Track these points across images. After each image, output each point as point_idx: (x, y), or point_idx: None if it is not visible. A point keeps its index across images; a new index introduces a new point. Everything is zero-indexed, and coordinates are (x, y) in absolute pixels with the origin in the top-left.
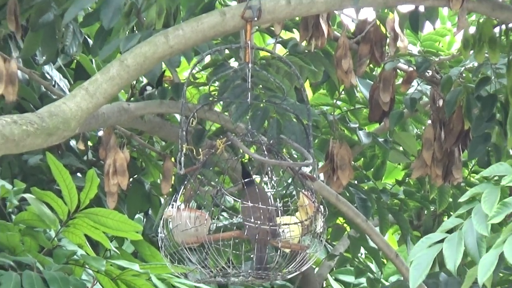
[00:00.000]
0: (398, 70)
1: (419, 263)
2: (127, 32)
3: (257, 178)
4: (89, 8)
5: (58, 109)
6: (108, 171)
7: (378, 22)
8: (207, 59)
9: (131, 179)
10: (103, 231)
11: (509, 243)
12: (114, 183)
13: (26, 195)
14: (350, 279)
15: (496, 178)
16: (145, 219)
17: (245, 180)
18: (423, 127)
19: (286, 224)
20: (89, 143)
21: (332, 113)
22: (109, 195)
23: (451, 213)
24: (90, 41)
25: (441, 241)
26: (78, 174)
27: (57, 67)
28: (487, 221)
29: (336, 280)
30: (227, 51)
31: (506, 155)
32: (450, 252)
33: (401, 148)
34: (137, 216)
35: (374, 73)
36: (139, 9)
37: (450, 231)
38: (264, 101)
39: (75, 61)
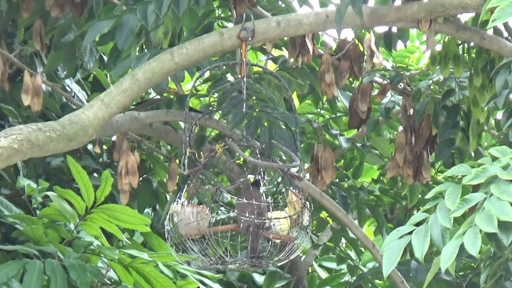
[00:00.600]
0: (374, 83)
1: (390, 252)
2: (137, 50)
3: (251, 178)
4: None
5: (77, 118)
6: (121, 172)
7: (356, 41)
8: (207, 73)
9: (140, 178)
10: (116, 224)
11: (468, 235)
12: (126, 182)
13: (49, 193)
14: (332, 265)
15: (459, 177)
16: (153, 213)
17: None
18: (396, 133)
19: (276, 218)
20: (104, 147)
21: (317, 121)
22: (121, 193)
23: (420, 207)
24: (105, 58)
25: (410, 233)
26: (95, 174)
27: (76, 80)
28: (449, 215)
29: (320, 266)
30: (225, 67)
31: (469, 157)
32: (418, 242)
33: (376, 151)
34: (146, 210)
35: (353, 85)
36: (148, 30)
37: (418, 224)
38: (257, 110)
39: (92, 75)
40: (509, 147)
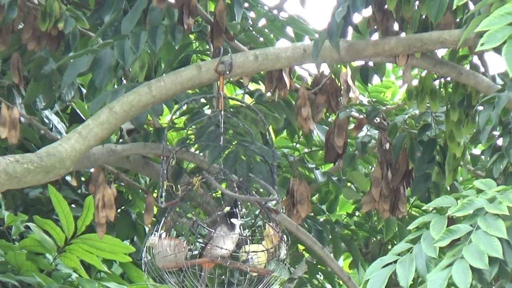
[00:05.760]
0: (350, 117)
1: (374, 281)
2: (115, 84)
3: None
4: None
5: (55, 150)
6: (98, 205)
7: (333, 76)
8: (185, 107)
9: (119, 210)
10: (96, 255)
11: (457, 268)
12: (103, 215)
13: (30, 224)
14: None
15: (434, 211)
16: (131, 246)
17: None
18: (371, 167)
19: (254, 251)
20: (82, 179)
21: (292, 155)
22: (98, 226)
23: (395, 242)
24: (83, 89)
25: (394, 262)
26: (73, 206)
27: (54, 112)
28: (433, 244)
29: None
30: (202, 100)
31: (444, 192)
32: (403, 271)
33: (353, 186)
34: (124, 242)
35: (329, 119)
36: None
37: (400, 255)
38: (234, 144)
39: (70, 107)
40: None
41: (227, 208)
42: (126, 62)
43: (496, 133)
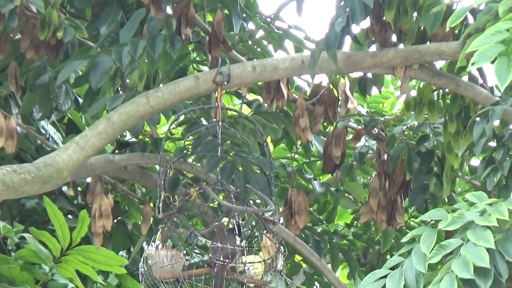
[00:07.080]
0: (348, 128)
1: None
2: (112, 93)
3: (225, 222)
4: (79, 72)
5: (52, 160)
6: (95, 215)
7: (331, 86)
8: (182, 117)
9: (115, 220)
10: (91, 266)
11: (445, 281)
12: (99, 225)
13: (25, 235)
14: None
15: (433, 222)
16: (127, 256)
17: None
18: (370, 178)
19: (251, 262)
20: (79, 189)
21: (291, 165)
22: (95, 236)
23: (393, 252)
24: (80, 100)
25: (385, 276)
26: (69, 216)
27: (51, 122)
28: (426, 261)
29: None
30: (199, 111)
31: (442, 203)
32: (392, 286)
33: (350, 196)
34: (120, 253)
35: (327, 130)
36: (123, 73)
37: (393, 268)
38: (232, 154)
39: (67, 117)
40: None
41: (225, 221)
42: (123, 64)
43: (492, 144)
